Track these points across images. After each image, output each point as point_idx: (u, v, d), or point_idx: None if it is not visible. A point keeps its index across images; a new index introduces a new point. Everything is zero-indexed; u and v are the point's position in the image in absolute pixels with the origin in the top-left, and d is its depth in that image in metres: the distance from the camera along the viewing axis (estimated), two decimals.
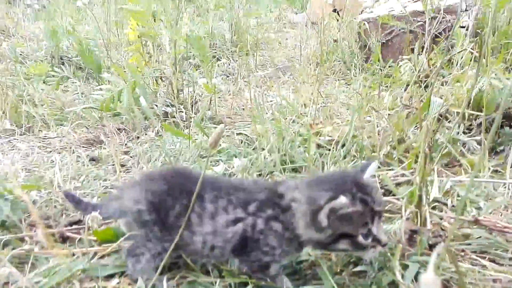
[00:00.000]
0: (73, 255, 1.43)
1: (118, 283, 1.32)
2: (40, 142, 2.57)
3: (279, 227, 1.18)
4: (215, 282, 1.24)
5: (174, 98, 3.01)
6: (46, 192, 1.80)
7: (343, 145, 2.20)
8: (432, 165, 1.99)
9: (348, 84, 3.67)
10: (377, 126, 2.38)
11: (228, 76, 4.07)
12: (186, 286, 1.26)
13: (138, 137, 2.55)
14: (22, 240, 1.54)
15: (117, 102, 2.84)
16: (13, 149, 2.50)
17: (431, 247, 1.28)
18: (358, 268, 1.32)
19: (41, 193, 1.80)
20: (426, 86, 2.71)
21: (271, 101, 3.24)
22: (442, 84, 2.84)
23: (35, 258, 1.42)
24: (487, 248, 1.37)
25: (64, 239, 1.55)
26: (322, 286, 1.25)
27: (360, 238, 1.13)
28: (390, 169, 2.00)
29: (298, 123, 2.54)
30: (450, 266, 1.27)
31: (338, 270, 1.34)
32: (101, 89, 2.87)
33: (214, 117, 2.88)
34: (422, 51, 3.03)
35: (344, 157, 2.14)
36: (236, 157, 2.12)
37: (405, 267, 1.23)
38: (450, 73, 2.78)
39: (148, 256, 1.30)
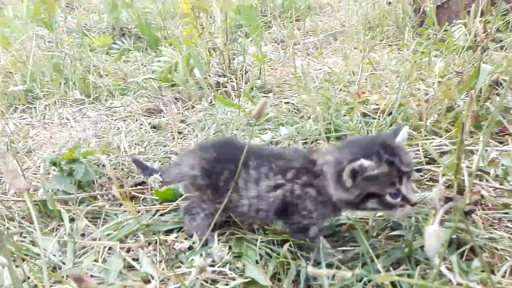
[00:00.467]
0: (138, 212, 1.64)
1: (176, 237, 1.52)
2: (106, 110, 2.83)
3: (314, 192, 1.29)
4: (259, 239, 1.39)
5: (226, 68, 3.14)
6: (114, 156, 2.03)
7: (389, 114, 2.24)
8: (479, 134, 2.00)
9: (400, 50, 3.59)
10: (427, 95, 2.38)
11: (278, 44, 4.11)
12: (234, 241, 1.42)
13: (193, 106, 2.72)
14: (95, 198, 1.77)
15: (174, 73, 3.03)
16: (84, 117, 2.77)
17: (467, 214, 1.34)
18: (395, 233, 1.42)
19: (110, 157, 2.03)
20: (483, 51, 2.62)
21: (320, 69, 3.27)
22: (501, 49, 2.74)
23: (106, 214, 1.65)
24: None
25: (130, 198, 1.77)
26: (358, 248, 1.36)
27: (388, 197, 1.20)
28: (434, 138, 2.02)
29: (345, 91, 2.58)
30: (484, 233, 1.33)
31: (375, 234, 1.44)
32: (159, 61, 3.05)
33: (264, 86, 2.98)
34: (479, 14, 2.90)
35: (390, 126, 2.18)
36: (282, 125, 2.23)
37: None
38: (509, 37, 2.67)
39: (202, 215, 1.48)
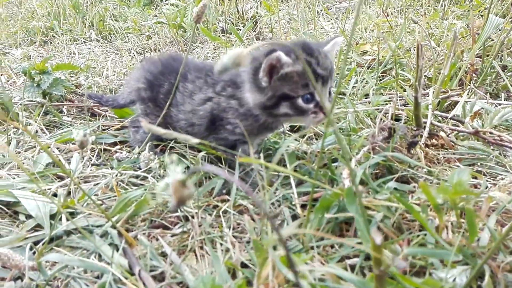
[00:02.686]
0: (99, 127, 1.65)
1: (120, 148, 1.51)
2: (112, 48, 2.87)
3: (236, 104, 1.22)
4: (189, 152, 1.35)
5: (239, 18, 3.08)
6: (92, 78, 2.06)
7: (385, 65, 2.09)
8: (467, 85, 1.82)
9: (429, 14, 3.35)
10: (435, 53, 2.20)
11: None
12: (168, 154, 1.39)
13: (193, 49, 2.69)
14: (61, 112, 1.81)
15: (183, 17, 3.01)
16: (92, 53, 2.83)
17: (410, 146, 1.21)
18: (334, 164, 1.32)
19: (89, 79, 2.05)
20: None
21: (332, 27, 3.12)
22: None
23: (64, 124, 1.67)
24: (479, 160, 1.25)
25: (93, 115, 1.78)
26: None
27: (300, 101, 1.11)
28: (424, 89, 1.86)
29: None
30: (423, 166, 1.20)
31: (314, 164, 1.35)
32: (168, 4, 3.04)
33: (273, 39, 2.89)
34: None
35: (380, 78, 2.03)
36: None
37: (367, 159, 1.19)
38: None
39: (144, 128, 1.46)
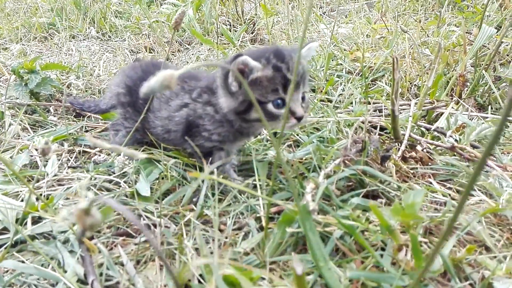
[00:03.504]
0: (82, 128, 1.65)
1: (97, 150, 1.52)
2: (108, 46, 2.88)
3: (211, 110, 1.22)
4: (163, 158, 1.35)
5: (238, 19, 3.07)
6: (83, 78, 2.07)
7: (375, 73, 2.08)
8: (457, 96, 1.80)
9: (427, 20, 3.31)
10: (429, 62, 2.17)
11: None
12: (144, 160, 1.38)
13: (188, 49, 2.69)
14: (48, 111, 1.82)
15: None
16: (89, 50, 2.85)
17: (383, 160, 1.20)
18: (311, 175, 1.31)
19: (79, 79, 2.07)
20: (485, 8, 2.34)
21: (338, 32, 3.10)
22: None
23: (48, 124, 1.68)
24: (453, 176, 1.23)
25: (79, 115, 1.79)
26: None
27: (270, 106, 1.10)
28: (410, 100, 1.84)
29: (344, 50, 2.42)
30: (393, 182, 1.18)
31: (290, 173, 1.34)
32: (167, 3, 3.04)
33: (270, 41, 2.88)
34: None
35: (370, 85, 2.02)
36: None
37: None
38: None
39: (124, 132, 1.47)
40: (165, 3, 3.10)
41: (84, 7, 3.40)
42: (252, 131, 1.29)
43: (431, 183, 1.22)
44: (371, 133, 1.36)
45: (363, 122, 1.31)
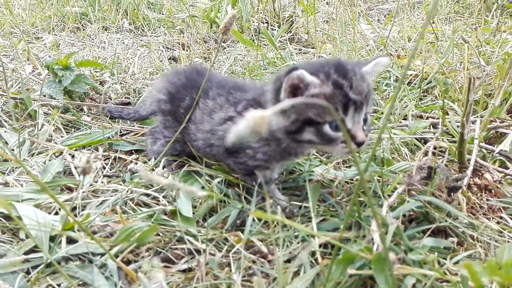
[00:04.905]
0: (105, 127, 1.57)
1: (136, 158, 1.43)
2: (143, 41, 2.80)
3: None
4: (205, 173, 1.25)
5: (274, 17, 2.95)
6: (118, 75, 1.98)
7: (428, 83, 1.93)
8: None
9: (478, 26, 3.11)
10: (483, 71, 2.02)
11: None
12: (183, 172, 1.29)
13: (224, 48, 2.59)
14: (81, 110, 1.74)
15: (217, 13, 2.90)
16: (122, 44, 2.77)
17: (450, 191, 1.08)
18: (360, 199, 1.19)
19: (113, 76, 1.98)
20: None
21: (378, 32, 2.95)
22: None
23: (83, 126, 1.61)
24: None
25: (113, 116, 1.71)
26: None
27: (327, 128, 0.99)
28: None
29: (390, 54, 2.27)
30: (464, 216, 1.06)
31: (340, 197, 1.23)
32: None
33: (308, 41, 2.76)
34: None
35: (423, 96, 1.88)
36: None
37: (403, 203, 1.07)
38: None
39: (162, 141, 1.38)
40: None
41: None
42: (301, 151, 1.17)
43: (501, 217, 1.09)
44: (433, 157, 1.23)
45: (435, 148, 1.18)
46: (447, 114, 1.56)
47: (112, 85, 1.34)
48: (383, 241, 0.68)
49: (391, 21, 3.35)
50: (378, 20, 3.56)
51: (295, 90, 0.99)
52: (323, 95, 0.97)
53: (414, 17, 3.41)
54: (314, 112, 0.99)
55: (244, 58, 2.29)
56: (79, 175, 1.19)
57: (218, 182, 1.22)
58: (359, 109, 0.99)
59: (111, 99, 1.75)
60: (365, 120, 1.03)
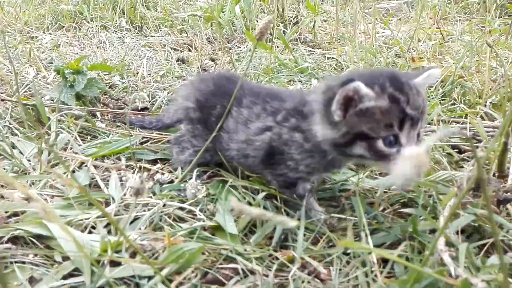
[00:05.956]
0: (131, 135, 1.50)
1: (161, 168, 1.36)
2: (143, 40, 2.71)
3: (300, 138, 1.06)
4: (241, 185, 1.19)
5: (278, 17, 2.89)
6: (128, 79, 1.90)
7: (444, 86, 1.91)
8: None
9: (482, 27, 3.13)
10: (496, 74, 2.02)
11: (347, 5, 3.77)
12: (215, 183, 1.24)
13: (230, 49, 2.52)
14: (94, 115, 1.66)
15: (220, 12, 2.84)
16: (121, 44, 2.68)
17: (500, 203, 1.05)
18: (406, 210, 1.16)
19: (123, 79, 1.90)
20: None
21: (383, 33, 2.93)
22: None
23: (98, 132, 1.53)
24: None
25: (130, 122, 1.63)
26: (355, 218, 1.12)
27: (380, 143, 0.93)
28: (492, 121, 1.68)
29: (402, 57, 2.25)
30: None
31: (381, 208, 1.19)
32: None
33: (313, 41, 2.71)
34: None
35: (442, 99, 1.86)
36: (317, 79, 1.98)
37: (457, 217, 1.04)
38: None
39: (191, 151, 1.32)
40: None
41: None
42: (345, 163, 1.13)
43: None
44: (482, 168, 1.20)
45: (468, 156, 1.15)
46: (482, 119, 1.54)
47: (139, 93, 1.26)
48: (504, 271, 0.64)
49: (390, 21, 3.34)
50: (376, 19, 3.54)
51: (348, 102, 0.95)
52: (378, 109, 0.93)
53: (414, 16, 3.41)
54: (368, 126, 0.95)
55: (255, 60, 2.23)
56: (125, 194, 1.11)
57: (253, 193, 1.16)
58: (415, 124, 0.95)
59: (126, 105, 1.67)
60: (418, 136, 0.99)
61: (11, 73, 1.94)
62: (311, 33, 2.86)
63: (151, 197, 1.19)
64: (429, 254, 0.74)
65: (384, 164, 0.98)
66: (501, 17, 3.26)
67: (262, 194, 1.11)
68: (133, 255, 0.98)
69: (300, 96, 1.14)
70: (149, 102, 1.58)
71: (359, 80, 0.94)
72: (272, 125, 1.13)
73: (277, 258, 0.99)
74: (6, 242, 0.99)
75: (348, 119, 0.96)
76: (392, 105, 0.93)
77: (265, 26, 1.17)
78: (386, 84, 0.95)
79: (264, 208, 1.15)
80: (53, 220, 0.73)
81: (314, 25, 2.80)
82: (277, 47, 2.45)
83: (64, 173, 1.27)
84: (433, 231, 1.03)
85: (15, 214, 1.09)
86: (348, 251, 1.00)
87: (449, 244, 0.94)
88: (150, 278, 0.90)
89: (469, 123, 1.56)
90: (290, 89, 1.54)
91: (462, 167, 1.42)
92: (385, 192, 1.25)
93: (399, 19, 3.53)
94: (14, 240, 1.01)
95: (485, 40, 1.67)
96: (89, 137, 1.51)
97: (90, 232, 1.04)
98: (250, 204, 1.15)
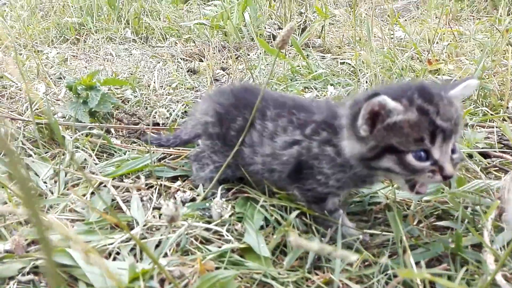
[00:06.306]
0: (148, 152, 1.45)
1: (181, 185, 1.32)
2: (151, 51, 2.67)
3: (332, 152, 1.02)
4: (269, 202, 1.15)
5: (286, 21, 2.85)
6: (140, 92, 1.86)
7: None
8: None
9: (492, 25, 3.08)
10: None
11: (351, 7, 3.72)
12: (240, 201, 1.19)
13: (238, 57, 2.48)
14: (108, 131, 1.62)
15: (226, 20, 2.80)
16: (129, 55, 2.64)
17: None
18: (442, 223, 1.11)
19: (136, 93, 1.86)
20: None
21: (392, 34, 2.88)
22: None
23: (114, 150, 1.49)
24: None
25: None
26: (390, 234, 1.07)
27: (410, 157, 0.89)
28: None
29: (415, 58, 2.21)
30: None
31: (416, 221, 1.14)
32: (214, 5, 2.83)
33: (322, 45, 2.67)
34: None
35: (463, 102, 1.81)
36: (332, 85, 1.94)
37: (500, 230, 0.99)
38: None
39: (212, 167, 1.27)
40: (209, 4, 2.89)
41: (119, 6, 3.18)
42: (377, 179, 1.08)
43: None
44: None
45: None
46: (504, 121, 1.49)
47: (159, 109, 1.21)
48: None
49: (395, 23, 3.30)
50: (382, 20, 3.50)
51: (375, 117, 0.91)
52: (407, 123, 0.89)
53: (421, 16, 3.36)
54: (397, 141, 0.90)
55: (266, 67, 2.19)
56: (166, 225, 1.06)
57: (280, 209, 1.12)
58: (448, 137, 0.90)
59: (141, 119, 1.63)
60: (453, 150, 0.94)
61: (20, 91, 1.91)
62: (319, 37, 2.82)
63: None
64: (490, 281, 0.68)
65: (414, 177, 0.94)
66: (509, 14, 3.20)
67: (294, 213, 1.06)
68: (161, 282, 0.93)
69: (328, 108, 1.09)
70: (168, 118, 1.54)
71: (386, 93, 0.90)
72: (300, 139, 1.08)
73: (312, 282, 0.94)
74: (28, 273, 0.95)
75: (375, 134, 0.92)
76: (421, 118, 0.89)
77: (287, 34, 1.12)
78: (414, 96, 0.91)
79: (293, 226, 1.10)
80: (82, 248, 0.68)
81: (322, 29, 2.76)
82: (290, 53, 2.40)
83: (83, 195, 1.22)
84: (476, 246, 0.98)
85: (35, 241, 1.04)
86: (388, 272, 0.95)
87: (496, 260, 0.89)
88: None
89: (496, 127, 1.51)
90: (317, 100, 1.49)
91: (491, 173, 1.38)
92: (417, 203, 1.20)
93: (405, 20, 3.48)
94: (35, 270, 0.96)
95: (508, 39, 1.61)
96: (105, 155, 1.47)
97: (114, 259, 1.00)
98: (278, 222, 1.11)
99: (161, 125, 1.65)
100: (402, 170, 0.92)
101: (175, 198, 1.24)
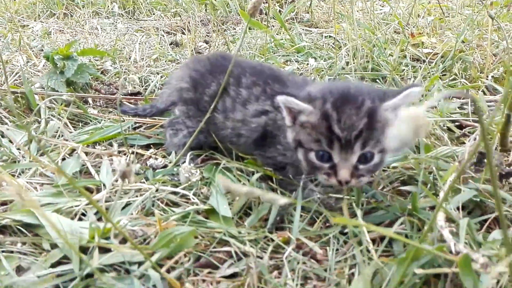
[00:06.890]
0: (123, 121, 1.46)
1: (154, 153, 1.33)
2: (136, 25, 2.66)
3: None
4: (236, 167, 1.16)
5: None
6: (120, 64, 1.86)
7: (444, 61, 1.86)
8: None
9: (482, 0, 3.05)
10: (497, 47, 1.96)
11: None
12: (209, 166, 1.21)
13: (225, 30, 2.47)
14: (86, 102, 1.63)
15: None
16: (115, 29, 2.62)
17: (502, 177, 1.02)
18: (405, 187, 1.13)
19: (115, 64, 1.86)
20: None
21: (381, 10, 2.86)
22: None
23: (89, 119, 1.49)
24: None
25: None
26: (353, 198, 1.09)
27: (312, 155, 0.96)
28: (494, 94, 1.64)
29: (401, 33, 2.19)
30: None
31: (381, 186, 1.16)
32: None
33: (311, 20, 2.65)
34: None
35: (442, 74, 1.81)
36: (314, 58, 1.93)
37: (458, 192, 1.00)
38: None
39: (185, 132, 1.29)
40: None
41: None
42: None
43: None
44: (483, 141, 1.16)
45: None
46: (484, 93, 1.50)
47: (129, 76, 1.22)
48: (507, 245, 0.61)
49: None
50: None
51: (290, 112, 0.99)
52: (310, 124, 0.95)
53: None
54: (304, 137, 0.97)
55: (250, 40, 2.18)
56: (117, 180, 1.08)
57: (248, 175, 1.13)
58: (346, 146, 0.91)
59: (118, 90, 1.63)
60: (365, 159, 0.94)
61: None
62: (308, 12, 2.80)
63: (143, 182, 1.16)
64: (427, 230, 0.71)
65: (316, 174, 0.99)
66: None
67: (256, 175, 1.08)
68: (123, 241, 0.95)
69: (303, 85, 1.11)
70: (142, 86, 1.54)
71: (311, 92, 0.97)
72: (269, 110, 1.11)
73: (272, 240, 0.96)
74: None
75: (295, 127, 0.99)
76: (321, 122, 0.93)
77: (258, 1, 1.12)
78: (329, 100, 0.94)
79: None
80: (29, 205, 0.70)
81: (310, 4, 2.74)
82: (273, 26, 2.39)
83: (53, 160, 1.24)
84: (433, 208, 1.00)
85: (3, 203, 1.06)
86: (346, 231, 0.97)
87: (449, 220, 0.91)
88: (140, 263, 0.88)
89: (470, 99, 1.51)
90: (295, 75, 1.50)
91: (464, 143, 1.39)
92: (384, 170, 1.21)
93: None
94: (2, 229, 0.98)
95: (487, 11, 1.60)
96: (80, 124, 1.48)
97: (80, 219, 1.01)
98: (238, 180, 1.13)
99: (135, 93, 1.65)
100: (306, 166, 1.00)
101: (147, 165, 1.26)
